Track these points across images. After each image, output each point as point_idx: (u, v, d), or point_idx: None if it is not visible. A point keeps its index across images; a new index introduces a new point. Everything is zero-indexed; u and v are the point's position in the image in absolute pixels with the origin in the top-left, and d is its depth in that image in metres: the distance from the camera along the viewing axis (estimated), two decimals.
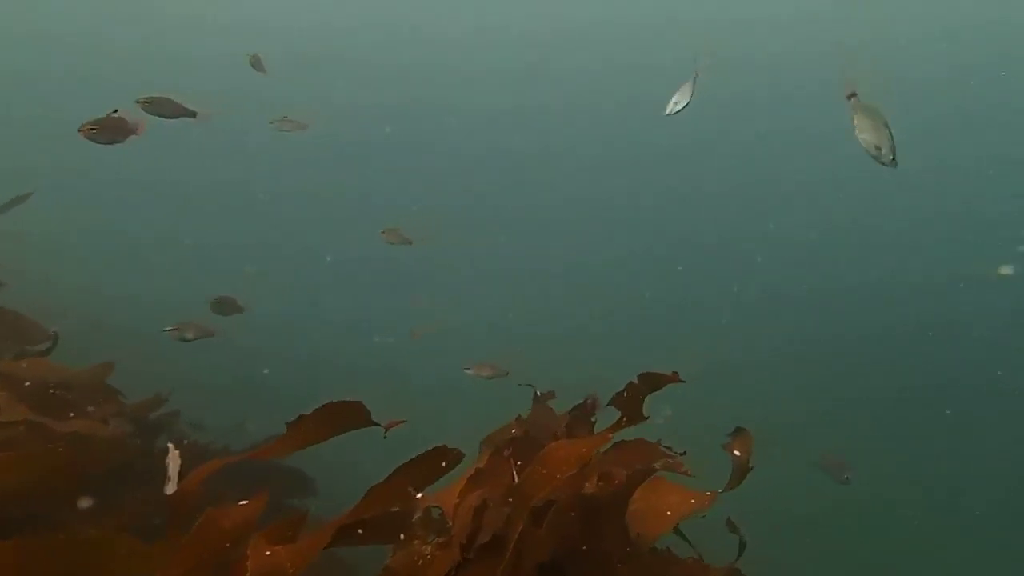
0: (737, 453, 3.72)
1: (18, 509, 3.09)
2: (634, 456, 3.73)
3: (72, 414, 3.94)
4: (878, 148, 3.68)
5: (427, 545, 3.43)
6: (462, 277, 20.63)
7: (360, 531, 3.17)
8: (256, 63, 6.64)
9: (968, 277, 21.54)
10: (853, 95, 3.79)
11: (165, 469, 2.78)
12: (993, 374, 17.09)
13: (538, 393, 4.44)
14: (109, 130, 3.70)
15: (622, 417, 3.64)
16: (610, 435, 3.61)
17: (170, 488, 2.78)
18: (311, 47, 27.58)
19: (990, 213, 24.59)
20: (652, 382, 3.63)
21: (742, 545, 3.77)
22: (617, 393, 3.67)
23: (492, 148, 27.97)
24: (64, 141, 3.87)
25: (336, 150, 24.23)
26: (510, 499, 3.36)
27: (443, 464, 3.33)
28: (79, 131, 3.64)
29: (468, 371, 6.27)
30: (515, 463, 3.64)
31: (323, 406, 3.22)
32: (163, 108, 4.36)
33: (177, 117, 4.49)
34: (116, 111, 3.75)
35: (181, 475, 2.85)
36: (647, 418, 3.60)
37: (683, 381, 3.55)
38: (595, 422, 4.21)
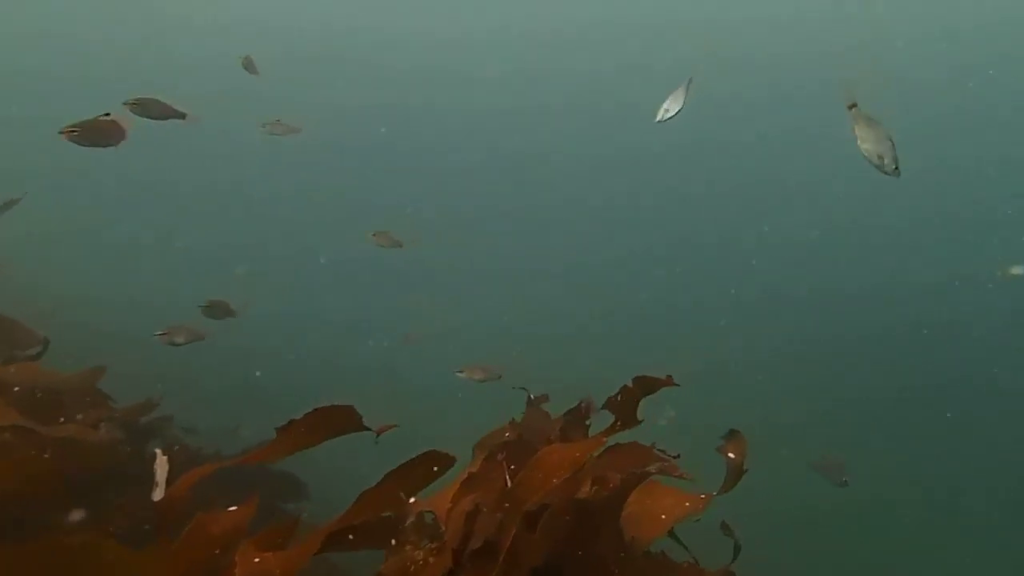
0: (731, 455, 3.70)
1: (4, 515, 3.07)
2: (628, 459, 3.69)
3: (62, 419, 3.92)
4: (880, 157, 3.68)
5: (420, 550, 3.41)
6: (459, 278, 20.61)
7: (351, 537, 3.15)
8: (248, 65, 6.60)
9: (967, 277, 21.55)
10: (854, 105, 3.78)
11: (153, 475, 2.75)
12: (993, 374, 17.09)
13: (532, 396, 4.40)
14: (92, 133, 3.67)
15: (616, 421, 3.61)
16: (604, 439, 3.58)
17: (158, 494, 2.75)
18: (306, 48, 27.57)
19: (990, 213, 24.57)
20: (646, 385, 3.60)
21: (737, 548, 3.74)
22: (611, 397, 3.65)
23: (491, 149, 27.95)
24: (55, 143, 3.82)
25: (332, 151, 24.17)
26: (505, 504, 3.33)
27: (435, 469, 3.30)
28: (60, 133, 3.62)
29: (460, 374, 6.20)
30: (508, 467, 3.62)
31: (314, 410, 3.19)
32: (151, 109, 4.33)
33: (166, 119, 4.45)
34: (108, 114, 3.71)
35: (169, 481, 2.82)
36: (641, 422, 3.57)
37: (678, 385, 3.52)
38: (590, 425, 4.18)
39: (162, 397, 4.89)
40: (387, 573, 3.24)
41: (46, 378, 4.35)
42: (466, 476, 3.71)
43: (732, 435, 3.80)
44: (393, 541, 3.25)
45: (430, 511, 3.58)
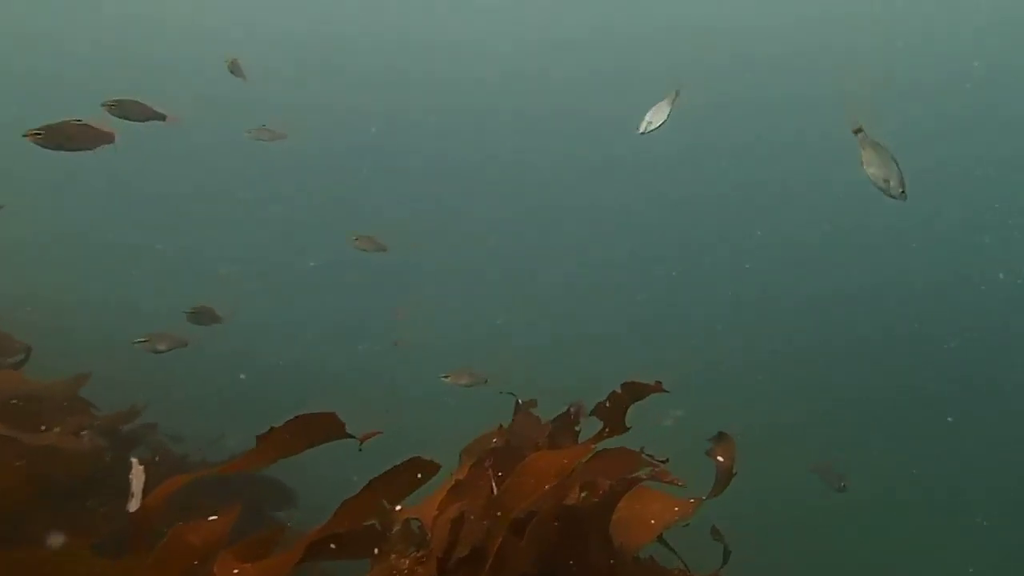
0: (720, 459, 3.65)
1: None
2: (617, 465, 3.65)
3: (43, 427, 3.87)
4: (886, 181, 3.70)
5: (405, 559, 3.37)
6: (454, 282, 20.56)
7: (333, 546, 3.10)
8: (235, 68, 6.54)
9: (967, 278, 21.54)
10: (860, 130, 3.77)
11: (129, 485, 2.71)
12: (993, 374, 17.06)
13: (520, 401, 4.35)
14: (58, 136, 3.61)
15: (605, 427, 3.57)
16: (592, 446, 3.54)
17: (133, 505, 2.70)
18: (297, 51, 27.54)
19: (990, 214, 24.56)
20: (635, 392, 3.56)
21: (727, 553, 3.70)
22: (600, 403, 3.61)
23: (487, 151, 27.92)
24: (42, 149, 3.77)
25: (322, 154, 24.15)
26: (492, 511, 3.29)
27: (419, 476, 3.25)
28: (24, 136, 3.57)
29: (445, 378, 6.13)
30: (496, 474, 3.57)
31: (295, 418, 3.15)
32: (130, 111, 4.27)
33: (146, 120, 4.40)
34: (80, 119, 3.66)
35: (147, 491, 2.77)
36: (629, 428, 3.53)
37: (667, 391, 3.48)
38: (580, 431, 4.13)
39: (146, 404, 4.84)
40: None
41: (28, 386, 4.30)
42: (453, 483, 3.67)
43: (721, 438, 3.76)
44: (376, 550, 3.19)
45: (416, 519, 3.54)
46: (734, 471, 3.65)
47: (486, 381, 6.04)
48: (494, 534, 3.15)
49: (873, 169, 3.72)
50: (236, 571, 2.72)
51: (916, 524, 12.25)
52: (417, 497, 3.57)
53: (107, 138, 3.82)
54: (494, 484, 3.45)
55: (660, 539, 3.76)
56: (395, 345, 11.06)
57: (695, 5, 27.08)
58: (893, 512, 12.38)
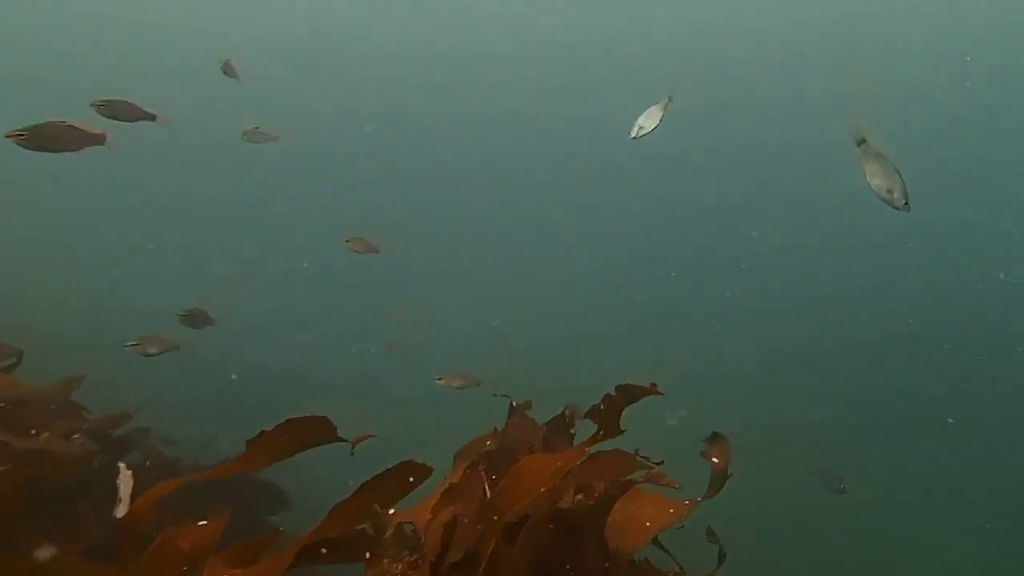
0: (715, 460, 3.63)
1: None
2: (612, 467, 3.62)
3: (34, 431, 3.84)
4: (890, 192, 3.73)
5: (398, 563, 3.34)
6: (451, 283, 20.53)
7: (324, 551, 3.07)
8: (228, 69, 6.51)
9: (967, 278, 21.51)
10: (863, 141, 3.78)
11: (117, 489, 2.68)
12: (993, 374, 17.04)
13: (514, 403, 4.32)
14: (41, 138, 3.58)
15: (599, 430, 3.54)
16: (587, 448, 3.51)
17: (120, 510, 2.67)
18: (292, 54, 27.51)
19: (990, 214, 24.53)
20: (630, 394, 3.53)
21: (722, 555, 3.67)
22: (594, 405, 3.58)
23: (483, 156, 27.90)
24: (32, 152, 3.73)
25: (316, 155, 24.12)
26: (486, 515, 3.26)
27: (411, 480, 3.22)
28: (7, 137, 3.53)
29: (439, 381, 6.12)
30: (489, 477, 3.55)
31: (286, 421, 3.12)
32: (120, 111, 4.23)
33: (136, 120, 4.36)
34: (64, 120, 3.63)
35: (134, 496, 2.74)
36: (624, 431, 3.50)
37: (662, 394, 3.46)
38: (575, 433, 4.10)
39: (139, 407, 4.81)
40: None
41: (19, 390, 4.27)
42: (446, 486, 3.65)
43: (715, 439, 3.73)
44: (368, 555, 3.16)
45: (410, 522, 3.51)
46: (729, 472, 3.62)
47: (479, 383, 6.02)
48: (487, 538, 3.13)
49: (876, 180, 3.75)
50: None
51: (916, 524, 12.22)
52: (411, 500, 3.55)
53: (96, 139, 3.78)
54: (487, 487, 3.42)
55: (655, 541, 3.74)
56: (386, 351, 10.99)
57: (694, 7, 27.08)
58: (893, 512, 12.35)
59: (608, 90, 26.42)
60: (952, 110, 27.05)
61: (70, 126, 3.68)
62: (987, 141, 26.69)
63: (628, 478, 3.65)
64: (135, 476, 2.75)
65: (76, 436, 4.03)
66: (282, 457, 3.17)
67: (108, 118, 4.14)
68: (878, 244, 22.91)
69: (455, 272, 21.11)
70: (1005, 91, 26.71)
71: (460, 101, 29.02)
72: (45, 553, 2.71)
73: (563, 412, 4.14)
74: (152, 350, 5.01)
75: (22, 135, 3.58)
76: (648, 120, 5.11)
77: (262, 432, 3.07)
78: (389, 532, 3.43)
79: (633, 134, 5.16)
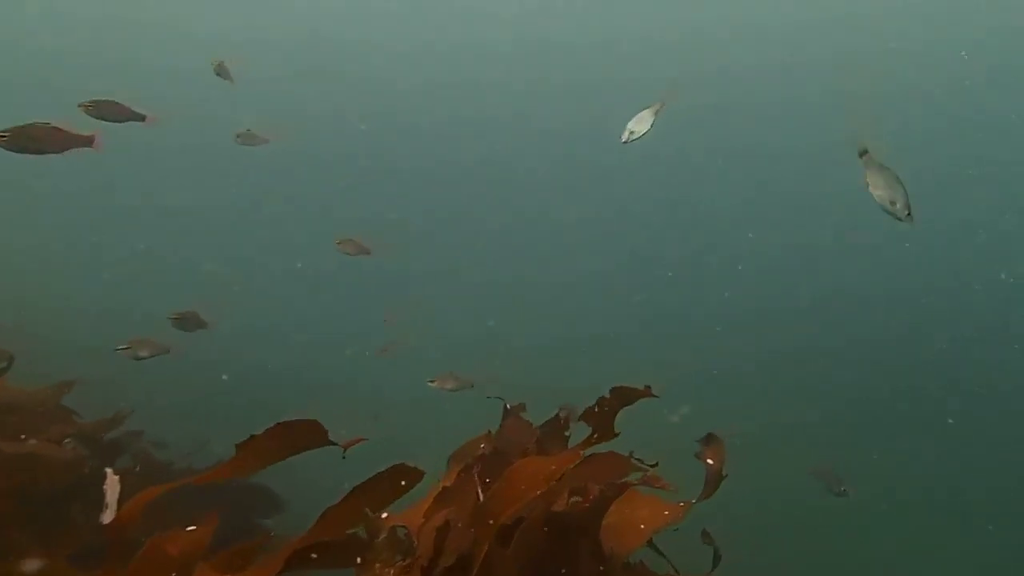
0: (710, 461, 3.60)
1: None
2: (607, 469, 3.60)
3: (23, 436, 3.81)
4: (893, 203, 3.73)
5: (390, 568, 3.31)
6: (448, 284, 20.51)
7: (315, 556, 3.05)
8: (222, 71, 6.49)
9: (967, 278, 21.50)
10: (866, 152, 3.77)
11: (104, 495, 2.65)
12: (993, 375, 17.02)
13: (508, 406, 4.29)
14: (23, 139, 3.54)
15: (593, 433, 3.52)
16: (581, 451, 3.48)
17: (107, 516, 2.64)
18: (288, 56, 27.45)
19: (990, 214, 24.51)
20: (624, 397, 3.51)
21: (716, 556, 3.65)
22: (589, 408, 3.55)
23: (482, 156, 27.86)
24: (27, 156, 3.69)
25: (311, 157, 24.08)
26: (480, 519, 3.23)
27: (403, 483, 3.19)
28: None
29: (432, 383, 6.11)
30: (483, 480, 3.52)
31: (276, 425, 3.10)
32: (108, 112, 4.20)
33: (124, 121, 4.32)
34: (48, 122, 3.59)
35: (122, 501, 2.71)
36: (618, 434, 3.47)
37: (657, 396, 3.44)
38: (569, 436, 4.08)
39: (131, 411, 4.77)
40: None
41: (10, 394, 4.24)
42: (440, 490, 3.62)
43: (710, 440, 3.71)
44: (360, 559, 3.13)
45: (403, 526, 3.48)
46: (724, 473, 3.59)
47: (472, 385, 6.01)
48: (480, 542, 3.10)
49: (879, 191, 3.74)
50: None
51: (916, 524, 12.21)
52: (405, 504, 3.52)
53: (82, 141, 3.74)
54: (481, 490, 3.39)
55: (651, 544, 3.71)
56: (377, 355, 10.94)
57: (694, 7, 27.04)
58: (893, 512, 12.34)
59: (608, 91, 26.39)
60: (951, 110, 26.98)
61: (54, 128, 3.64)
62: (987, 141, 26.63)
63: (623, 480, 3.63)
64: (123, 481, 2.72)
65: (67, 440, 4.01)
66: (273, 461, 3.15)
67: (96, 119, 4.10)
68: (878, 244, 22.84)
69: (453, 272, 21.08)
70: (1004, 91, 26.64)
71: (459, 101, 28.98)
72: (33, 564, 2.67)
73: (557, 414, 4.11)
74: (143, 353, 4.97)
75: (4, 136, 3.54)
76: (639, 125, 5.08)
77: (252, 436, 3.04)
78: (381, 536, 3.40)
79: (624, 139, 5.13)
